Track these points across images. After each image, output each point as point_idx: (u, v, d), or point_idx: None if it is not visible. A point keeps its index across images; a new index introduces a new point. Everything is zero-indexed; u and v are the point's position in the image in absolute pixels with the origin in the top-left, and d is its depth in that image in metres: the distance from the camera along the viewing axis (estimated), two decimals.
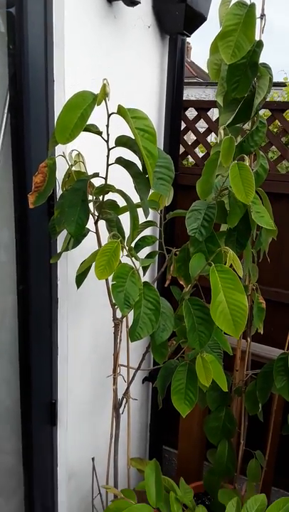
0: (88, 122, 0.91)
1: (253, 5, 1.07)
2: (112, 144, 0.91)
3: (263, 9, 1.26)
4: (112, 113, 0.85)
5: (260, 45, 1.13)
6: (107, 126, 0.88)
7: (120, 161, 0.91)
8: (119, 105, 0.83)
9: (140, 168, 0.89)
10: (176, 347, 1.22)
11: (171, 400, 1.07)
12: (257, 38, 1.12)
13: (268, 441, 1.50)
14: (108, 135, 0.89)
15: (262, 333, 1.41)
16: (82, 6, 1.24)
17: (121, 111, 0.83)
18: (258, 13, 1.17)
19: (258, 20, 1.17)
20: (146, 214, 0.92)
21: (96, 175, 0.95)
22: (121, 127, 0.91)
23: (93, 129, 0.89)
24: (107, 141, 0.90)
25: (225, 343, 1.20)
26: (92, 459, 1.37)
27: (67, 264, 1.33)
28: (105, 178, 0.95)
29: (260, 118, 1.24)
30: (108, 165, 0.92)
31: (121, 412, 1.21)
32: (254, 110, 1.19)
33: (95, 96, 0.81)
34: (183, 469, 1.74)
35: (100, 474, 1.35)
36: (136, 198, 0.95)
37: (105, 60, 1.37)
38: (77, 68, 1.25)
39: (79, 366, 1.45)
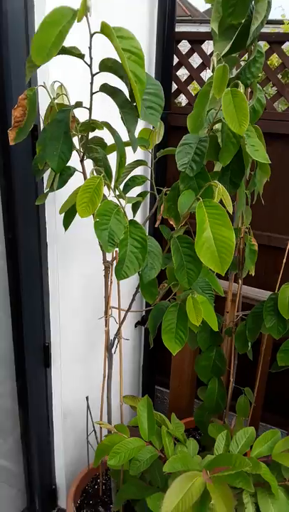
0: (69, 45, 0.84)
1: None
2: (95, 69, 0.84)
3: None
4: (95, 32, 0.77)
5: None
6: (90, 48, 0.80)
7: (105, 88, 0.84)
8: (102, 22, 0.75)
9: (127, 96, 0.82)
10: (167, 290, 1.22)
11: (162, 342, 1.07)
12: None
13: (256, 379, 1.55)
14: (91, 59, 0.82)
15: (253, 275, 1.41)
16: None
17: (105, 29, 0.75)
18: None
19: None
20: (134, 148, 0.86)
21: (79, 104, 0.89)
22: (106, 52, 0.83)
23: (75, 52, 0.81)
24: (90, 66, 0.82)
25: (216, 284, 1.19)
26: (86, 398, 1.41)
27: (56, 208, 1.29)
28: (90, 109, 0.88)
29: (257, 47, 1.15)
30: (92, 93, 0.86)
31: (113, 352, 1.22)
32: (250, 37, 1.10)
33: (74, 12, 0.73)
34: (174, 407, 1.81)
35: (94, 413, 1.39)
36: (124, 137, 0.90)
37: None
38: None
39: (71, 309, 1.45)
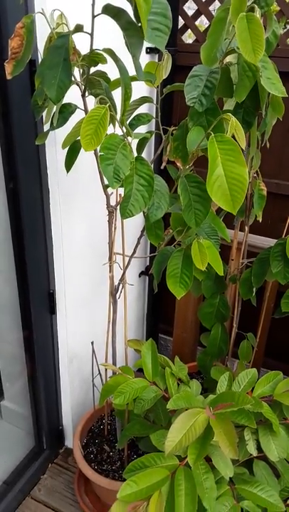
0: None
1: None
2: None
3: None
4: None
5: None
6: None
7: (108, 9, 0.77)
8: None
9: (132, 16, 0.75)
10: (170, 238, 1.20)
11: (167, 290, 1.06)
12: None
13: (259, 325, 1.56)
14: None
15: (260, 221, 1.38)
16: None
17: None
18: None
19: None
20: (139, 76, 0.80)
21: (80, 28, 0.82)
22: None
23: None
24: None
25: (223, 229, 1.17)
26: (92, 342, 1.43)
27: (56, 150, 1.24)
28: (91, 34, 0.82)
29: None
30: (94, 16, 0.79)
31: (118, 297, 1.22)
32: None
33: None
34: (178, 353, 1.84)
35: (100, 357, 1.42)
36: (130, 72, 0.83)
37: None
38: None
39: (75, 255, 1.44)
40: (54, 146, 1.24)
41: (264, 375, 1.21)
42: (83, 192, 1.38)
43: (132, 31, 0.74)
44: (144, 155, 1.27)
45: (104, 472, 1.41)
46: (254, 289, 1.35)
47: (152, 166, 0.88)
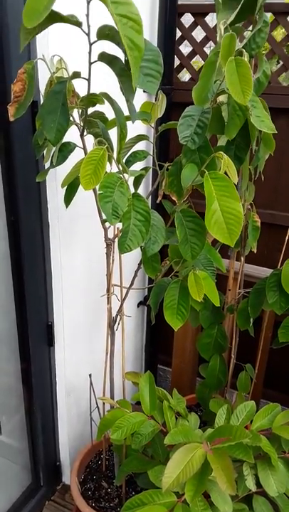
0: (67, 13, 0.81)
1: None
2: (93, 38, 0.82)
3: None
4: None
5: None
6: (87, 15, 0.78)
7: (103, 56, 0.82)
8: None
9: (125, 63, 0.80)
10: (168, 268, 1.21)
11: (164, 321, 1.07)
12: None
13: (257, 355, 1.56)
14: (89, 27, 0.79)
15: (255, 252, 1.40)
16: None
17: None
18: None
19: None
20: (133, 118, 0.85)
21: (77, 75, 0.87)
22: (106, 21, 0.81)
23: (72, 20, 0.79)
24: (88, 34, 0.80)
25: (218, 260, 1.19)
26: (89, 375, 1.42)
27: (57, 185, 1.28)
28: (88, 79, 0.86)
29: (263, 16, 1.12)
30: (90, 63, 0.84)
31: (115, 329, 1.23)
32: (259, 5, 1.06)
33: None
34: (176, 384, 1.82)
35: (98, 390, 1.41)
36: (127, 112, 0.88)
37: None
38: None
39: (74, 287, 1.46)
40: (54, 181, 1.28)
41: (263, 406, 1.20)
42: (82, 225, 1.41)
43: (126, 77, 0.78)
44: (141, 190, 1.31)
45: (102, 510, 1.37)
46: (251, 320, 1.36)
47: (149, 200, 0.92)
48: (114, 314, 1.22)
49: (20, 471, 1.70)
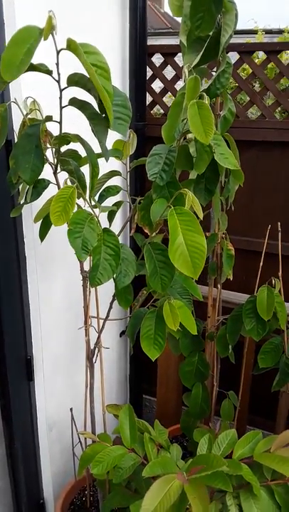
0: (38, 62, 0.86)
1: None
2: (63, 84, 0.86)
3: None
4: (62, 49, 0.80)
5: None
6: (57, 64, 0.83)
7: (74, 101, 0.86)
8: (68, 39, 0.77)
9: (96, 108, 0.85)
10: (146, 296, 1.23)
11: None
12: None
13: (240, 382, 1.57)
14: (59, 74, 0.84)
15: (231, 279, 1.43)
16: None
17: (71, 45, 0.77)
18: None
19: None
20: (106, 157, 0.89)
21: (49, 118, 0.91)
22: (74, 67, 0.86)
23: (42, 69, 0.84)
24: (58, 81, 0.85)
25: (194, 289, 1.21)
26: (71, 409, 1.41)
27: (32, 221, 1.30)
28: (60, 123, 0.91)
29: (226, 58, 1.20)
30: (61, 107, 0.88)
31: (94, 361, 1.23)
32: (221, 48, 1.14)
33: (40, 30, 0.76)
34: (162, 414, 1.81)
35: (80, 423, 1.39)
36: (99, 148, 0.92)
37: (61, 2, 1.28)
38: (30, 5, 1.16)
39: (52, 320, 1.46)
40: (30, 215, 1.30)
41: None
42: (59, 258, 1.43)
43: (97, 121, 0.83)
44: (118, 222, 1.34)
45: None
46: (230, 347, 1.38)
47: (127, 231, 0.94)
48: (92, 346, 1.23)
49: (2, 510, 1.64)
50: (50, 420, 1.53)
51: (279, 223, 1.43)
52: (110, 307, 1.16)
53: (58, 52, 0.81)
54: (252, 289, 1.71)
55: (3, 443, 1.52)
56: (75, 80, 0.83)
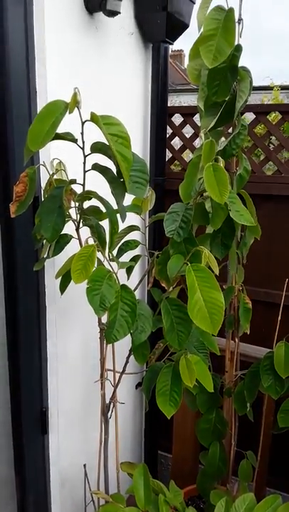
0: (65, 130, 0.93)
1: (231, 9, 1.09)
2: (87, 150, 0.93)
3: (240, 14, 1.29)
4: (86, 120, 0.87)
5: (239, 48, 1.15)
6: (82, 133, 0.90)
7: (96, 166, 0.92)
8: (91, 113, 0.84)
9: (115, 173, 0.91)
10: (163, 349, 1.23)
11: None
12: (236, 42, 1.14)
13: (259, 441, 1.50)
14: (83, 142, 0.91)
15: (248, 333, 1.42)
16: (63, 19, 1.26)
17: (93, 118, 0.84)
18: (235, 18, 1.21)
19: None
20: (122, 218, 0.93)
21: (73, 181, 0.97)
22: (100, 134, 0.92)
23: (68, 137, 0.91)
24: (82, 148, 0.91)
25: (212, 343, 1.20)
26: (84, 465, 1.37)
27: (54, 272, 1.35)
28: (83, 185, 0.96)
29: (241, 121, 1.26)
30: (85, 171, 0.94)
31: (109, 416, 1.22)
32: (236, 113, 1.21)
33: (66, 104, 0.83)
34: (177, 473, 1.74)
35: (93, 480, 1.35)
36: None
37: (89, 69, 1.40)
38: (60, 78, 1.27)
39: (69, 373, 1.46)
40: (53, 267, 1.35)
41: (268, 496, 1.13)
42: (78, 310, 1.45)
43: (116, 184, 0.88)
44: (136, 274, 1.37)
45: None
46: (248, 405, 1.34)
47: (144, 284, 0.96)
48: (107, 401, 1.21)
49: None
50: (63, 475, 1.49)
51: None
52: (127, 361, 1.16)
53: (82, 124, 0.88)
54: (270, 341, 1.69)
55: (16, 496, 1.48)
56: (97, 148, 0.89)
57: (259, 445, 1.51)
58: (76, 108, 0.83)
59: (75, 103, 0.81)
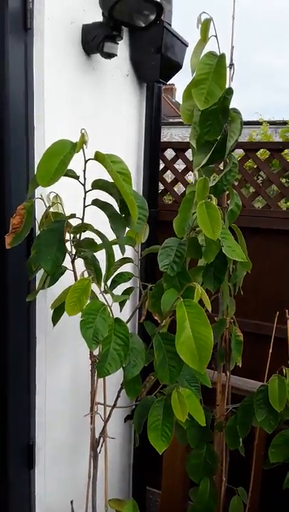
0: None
1: (223, 55, 1.16)
2: (88, 187, 0.96)
3: (231, 59, 1.36)
4: (90, 159, 0.90)
5: (230, 92, 1.21)
6: (84, 171, 0.93)
7: (97, 202, 0.95)
8: (97, 152, 0.88)
9: (116, 209, 0.93)
10: (154, 382, 1.22)
11: None
12: (227, 86, 1.20)
13: (251, 477, 1.48)
14: (85, 179, 0.94)
15: (240, 366, 1.42)
16: (61, 59, 1.32)
17: (99, 157, 0.88)
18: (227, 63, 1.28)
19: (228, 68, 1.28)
20: (122, 251, 0.95)
21: (73, 216, 0.99)
22: (94, 171, 0.96)
23: (71, 174, 0.94)
24: (83, 185, 0.94)
25: (204, 377, 1.20)
26: (71, 502, 1.33)
27: (46, 303, 1.34)
28: (82, 219, 0.99)
29: (232, 159, 1.32)
30: (85, 206, 0.97)
31: (98, 451, 1.19)
32: (227, 152, 1.26)
33: (73, 144, 0.86)
34: (166, 510, 1.69)
35: None
36: (112, 235, 0.99)
37: (85, 107, 1.45)
38: (58, 117, 1.31)
39: (58, 406, 1.43)
40: (44, 299, 1.34)
41: None
42: (69, 342, 1.44)
43: (116, 219, 0.91)
44: (129, 305, 1.38)
45: None
46: (240, 440, 1.33)
47: (137, 316, 0.96)
48: (97, 435, 1.19)
49: None
50: None
51: (287, 310, 1.45)
52: (118, 396, 1.15)
53: (85, 162, 0.91)
54: (262, 374, 1.69)
55: None
56: (99, 185, 0.92)
57: (250, 481, 1.49)
58: (82, 148, 0.87)
59: (82, 143, 0.84)
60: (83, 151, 0.87)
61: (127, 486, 1.98)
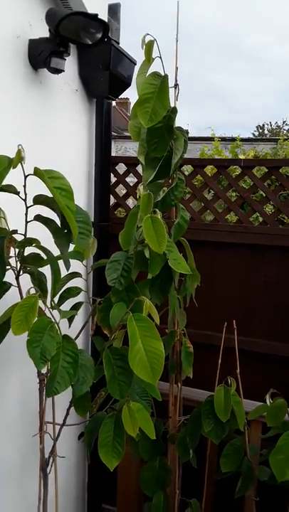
0: (9, 183, 0.95)
1: (166, 76, 1.20)
2: (30, 202, 0.95)
3: (176, 80, 1.41)
4: (29, 174, 0.89)
5: (174, 111, 1.25)
6: (24, 186, 0.92)
7: (39, 218, 0.94)
8: (35, 168, 0.87)
9: (59, 224, 0.93)
10: (105, 397, 1.21)
11: None
12: (172, 105, 1.24)
13: (204, 488, 1.50)
14: (26, 194, 0.93)
15: (191, 377, 1.44)
16: (5, 72, 1.30)
17: (38, 172, 0.87)
18: (172, 83, 1.32)
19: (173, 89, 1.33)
20: (67, 267, 0.94)
21: (15, 232, 0.98)
22: (42, 187, 0.95)
23: (11, 190, 0.92)
24: (24, 200, 0.93)
25: (153, 389, 1.21)
26: None
27: None
28: (24, 235, 0.97)
29: (178, 175, 1.35)
30: (27, 222, 0.95)
31: (48, 471, 1.16)
32: (172, 168, 1.30)
33: (10, 160, 0.85)
34: None
35: None
36: (57, 251, 0.98)
37: (33, 122, 1.44)
38: (2, 133, 1.29)
39: (5, 426, 1.38)
40: None
41: None
42: (16, 359, 1.40)
43: (60, 235, 0.90)
44: (79, 320, 1.36)
45: None
46: (191, 451, 1.34)
47: (87, 331, 0.95)
48: (46, 455, 1.16)
49: None
50: None
51: (234, 321, 1.49)
52: (67, 413, 1.13)
53: (25, 178, 0.90)
54: (212, 383, 1.72)
55: None
56: (40, 200, 0.92)
57: (203, 492, 1.50)
58: (20, 163, 0.86)
59: (19, 159, 0.83)
60: (22, 166, 0.86)
61: (83, 505, 1.93)
